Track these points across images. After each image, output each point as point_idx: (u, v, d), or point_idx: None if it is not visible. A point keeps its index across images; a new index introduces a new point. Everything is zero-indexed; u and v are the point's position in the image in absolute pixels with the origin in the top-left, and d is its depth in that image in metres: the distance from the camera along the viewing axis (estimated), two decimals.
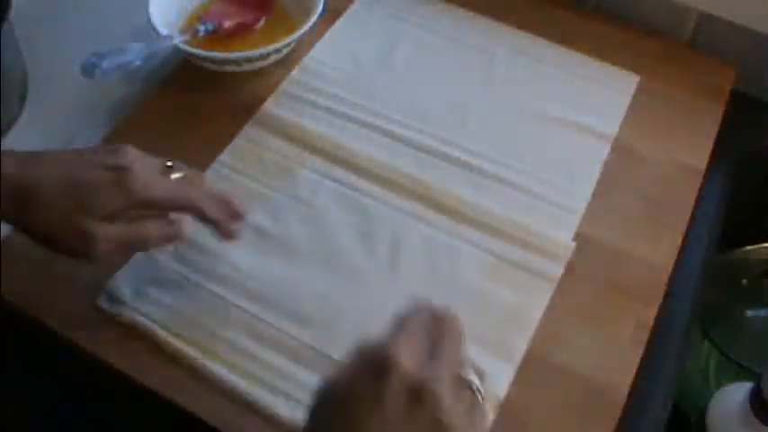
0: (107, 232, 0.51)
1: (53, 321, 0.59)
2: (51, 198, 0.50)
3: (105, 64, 0.67)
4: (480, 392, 0.45)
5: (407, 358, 0.40)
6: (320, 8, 0.74)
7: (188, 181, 0.55)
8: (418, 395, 0.40)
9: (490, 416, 0.52)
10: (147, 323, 0.58)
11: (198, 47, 0.72)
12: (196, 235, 0.60)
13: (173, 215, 0.56)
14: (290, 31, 0.73)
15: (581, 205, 0.66)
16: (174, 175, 0.54)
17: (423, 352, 0.42)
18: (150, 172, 0.52)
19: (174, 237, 0.55)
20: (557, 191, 0.67)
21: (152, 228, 0.54)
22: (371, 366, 0.41)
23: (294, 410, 0.55)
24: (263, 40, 0.73)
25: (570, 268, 0.63)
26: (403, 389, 0.40)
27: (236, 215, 0.57)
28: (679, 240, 0.65)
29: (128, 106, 0.73)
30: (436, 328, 0.44)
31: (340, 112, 0.72)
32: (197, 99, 0.73)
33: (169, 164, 0.55)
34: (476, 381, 0.45)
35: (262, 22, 0.77)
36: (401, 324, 0.43)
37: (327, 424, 0.41)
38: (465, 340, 0.45)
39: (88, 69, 0.67)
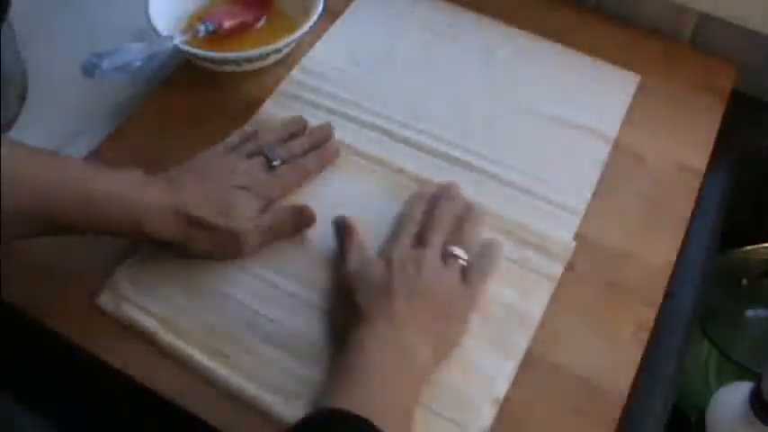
0: (253, 230, 0.60)
1: (53, 321, 0.59)
2: (209, 218, 0.58)
3: (105, 64, 0.67)
4: (464, 259, 0.59)
5: (404, 247, 0.58)
6: (320, 8, 0.74)
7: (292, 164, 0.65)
8: (415, 266, 0.56)
9: (486, 278, 0.61)
10: (148, 321, 0.58)
11: (198, 47, 0.72)
12: None
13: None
14: (290, 31, 0.73)
15: (581, 205, 0.66)
16: (275, 163, 0.64)
17: (414, 241, 0.59)
18: (264, 176, 0.63)
19: (302, 215, 0.63)
20: (557, 191, 0.67)
21: (283, 213, 0.63)
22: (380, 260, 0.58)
23: (294, 409, 0.55)
24: (263, 40, 0.73)
25: (570, 268, 0.63)
26: (403, 267, 0.56)
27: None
28: (679, 240, 0.65)
29: (128, 106, 0.73)
30: (428, 221, 0.61)
31: (340, 111, 0.72)
32: (197, 99, 0.73)
33: (270, 159, 0.64)
34: (461, 253, 0.59)
35: (262, 22, 0.78)
36: (402, 221, 0.62)
37: (358, 287, 0.56)
38: (449, 226, 0.61)
39: (88, 69, 0.67)
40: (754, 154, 0.77)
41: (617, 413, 0.56)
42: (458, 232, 0.61)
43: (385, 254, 0.58)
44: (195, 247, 0.60)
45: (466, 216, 0.63)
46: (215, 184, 0.60)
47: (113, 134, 0.70)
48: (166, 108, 0.72)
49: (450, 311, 0.57)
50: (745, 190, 0.75)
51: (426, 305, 0.55)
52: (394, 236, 0.61)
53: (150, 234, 0.57)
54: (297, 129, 0.68)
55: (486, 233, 0.64)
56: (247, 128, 0.68)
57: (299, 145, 0.67)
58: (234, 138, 0.66)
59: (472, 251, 0.60)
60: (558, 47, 0.78)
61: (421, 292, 0.56)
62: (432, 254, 0.58)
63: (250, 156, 0.64)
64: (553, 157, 0.69)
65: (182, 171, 0.61)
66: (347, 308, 0.56)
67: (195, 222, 0.58)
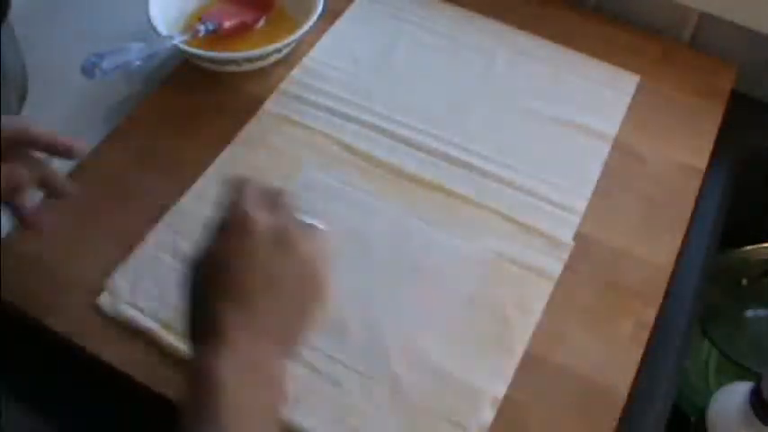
0: None
1: (53, 321, 0.59)
2: None
3: (105, 64, 0.67)
4: (317, 225, 0.50)
5: (261, 216, 0.47)
6: (320, 8, 0.74)
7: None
8: (281, 239, 0.47)
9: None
10: (148, 321, 0.58)
11: (198, 47, 0.72)
12: (195, 232, 0.60)
13: None
14: (291, 30, 0.73)
15: (581, 205, 0.66)
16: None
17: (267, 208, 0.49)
18: None
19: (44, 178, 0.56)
20: (557, 191, 0.67)
21: (21, 168, 0.55)
22: (235, 231, 0.47)
23: (292, 409, 0.55)
24: (264, 39, 0.73)
25: (570, 268, 0.63)
26: (266, 238, 0.46)
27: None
28: (679, 240, 0.65)
29: (128, 106, 0.73)
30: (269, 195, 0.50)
31: (340, 111, 0.72)
32: (197, 99, 0.73)
33: None
34: (311, 220, 0.51)
35: (262, 22, 0.78)
36: (242, 192, 0.49)
37: (210, 288, 0.46)
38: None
39: (88, 69, 0.67)
40: (754, 154, 0.77)
41: (617, 413, 0.56)
42: None
43: (249, 227, 0.47)
44: None
45: None
46: None
47: (113, 134, 0.70)
48: (166, 108, 0.72)
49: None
50: (745, 190, 0.75)
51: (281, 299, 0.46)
52: (245, 201, 0.49)
53: None
54: None
55: (487, 233, 0.64)
56: None
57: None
58: None
59: None
60: (558, 47, 0.78)
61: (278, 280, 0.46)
62: (296, 228, 0.48)
63: None
64: (553, 157, 0.69)
65: None
66: (198, 307, 0.47)
67: None
